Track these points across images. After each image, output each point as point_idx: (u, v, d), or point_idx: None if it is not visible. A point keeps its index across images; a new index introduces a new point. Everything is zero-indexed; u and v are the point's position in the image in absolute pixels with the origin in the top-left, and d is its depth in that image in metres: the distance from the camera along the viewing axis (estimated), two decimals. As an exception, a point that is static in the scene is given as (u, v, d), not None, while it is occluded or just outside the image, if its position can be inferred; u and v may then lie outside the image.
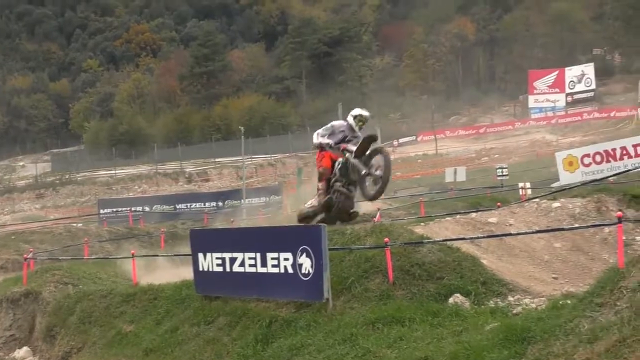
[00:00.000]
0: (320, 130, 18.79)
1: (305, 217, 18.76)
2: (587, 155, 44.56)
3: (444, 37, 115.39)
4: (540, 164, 53.54)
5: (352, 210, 18.86)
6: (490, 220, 19.89)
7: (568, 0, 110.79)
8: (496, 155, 75.27)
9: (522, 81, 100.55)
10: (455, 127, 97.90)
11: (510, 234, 18.02)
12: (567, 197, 22.23)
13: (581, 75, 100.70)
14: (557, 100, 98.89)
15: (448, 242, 17.11)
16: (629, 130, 67.60)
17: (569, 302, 13.11)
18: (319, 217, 18.51)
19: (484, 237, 17.89)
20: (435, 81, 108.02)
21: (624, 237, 15.15)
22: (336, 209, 18.15)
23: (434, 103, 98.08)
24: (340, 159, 17.82)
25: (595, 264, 17.02)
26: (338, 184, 17.82)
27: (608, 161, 42.83)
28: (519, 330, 12.50)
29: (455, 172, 56.53)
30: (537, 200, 22.81)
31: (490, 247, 17.77)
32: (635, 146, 43.49)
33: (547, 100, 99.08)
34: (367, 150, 17.80)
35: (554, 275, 17.24)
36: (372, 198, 18.52)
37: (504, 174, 50.37)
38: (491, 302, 15.28)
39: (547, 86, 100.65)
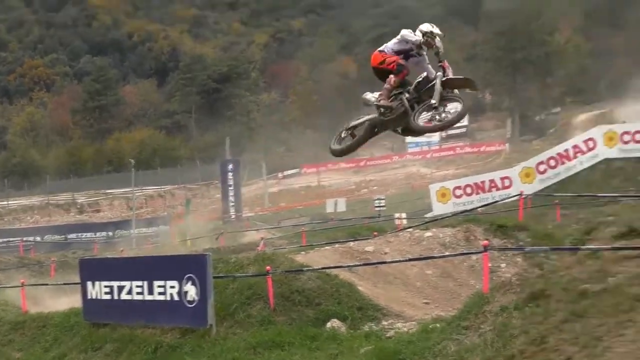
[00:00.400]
0: (405, 32, 15.51)
1: (366, 103, 15.91)
2: (459, 188, 45.43)
3: (327, 75, 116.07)
4: (416, 196, 54.32)
5: (404, 127, 15.68)
6: (367, 249, 20.08)
7: (444, 42, 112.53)
8: (375, 187, 75.96)
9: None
10: (336, 161, 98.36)
11: (385, 262, 18.22)
12: (438, 226, 22.62)
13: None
14: (432, 136, 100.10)
15: (327, 270, 17.23)
16: (497, 164, 69.09)
17: (438, 325, 13.34)
18: (372, 116, 15.64)
19: (360, 265, 18.06)
20: (319, 117, 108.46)
21: (489, 265, 15.49)
22: (389, 118, 15.29)
23: (317, 137, 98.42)
24: (424, 73, 15.00)
25: (463, 289, 17.33)
26: (407, 95, 14.98)
27: (478, 193, 43.71)
28: (391, 353, 12.67)
29: (335, 203, 56.94)
30: (411, 230, 23.14)
31: (367, 275, 17.94)
32: (502, 179, 44.54)
33: (423, 136, 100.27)
34: (455, 88, 15.06)
35: (425, 301, 17.49)
36: (415, 131, 15.55)
37: (382, 205, 50.90)
38: (366, 326, 15.43)
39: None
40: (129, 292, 17.90)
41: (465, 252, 18.47)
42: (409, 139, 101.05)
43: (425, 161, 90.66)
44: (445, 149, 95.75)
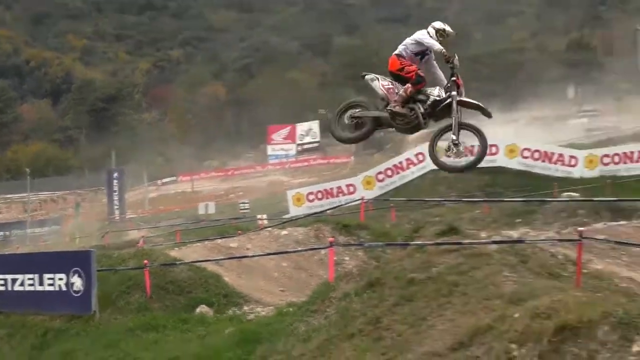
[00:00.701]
0: (421, 32, 12.80)
1: (368, 85, 13.12)
2: (312, 193, 45.62)
3: (201, 98, 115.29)
4: (276, 200, 54.13)
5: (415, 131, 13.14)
6: (232, 245, 19.95)
7: (299, 71, 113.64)
8: (241, 193, 75.48)
9: (262, 133, 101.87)
10: (208, 170, 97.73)
11: (247, 256, 18.13)
12: (293, 226, 22.62)
13: (309, 130, 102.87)
14: (290, 150, 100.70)
15: (197, 263, 17.06)
16: (344, 173, 69.51)
17: (291, 309, 13.32)
18: (381, 113, 12.75)
19: (226, 259, 17.93)
20: (193, 133, 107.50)
21: (335, 258, 15.54)
22: (398, 124, 12.69)
23: (191, 151, 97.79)
24: (442, 93, 12.41)
25: (313, 279, 17.34)
26: (421, 110, 12.40)
27: (327, 198, 43.97)
28: (251, 333, 12.62)
29: (206, 206, 56.52)
30: (270, 229, 23.08)
31: (232, 267, 17.84)
32: (348, 186, 44.96)
33: (282, 149, 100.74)
34: (470, 108, 12.57)
35: (281, 289, 17.45)
36: (442, 166, 12.90)
37: (246, 207, 50.79)
38: (230, 311, 15.36)
39: (282, 138, 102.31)
40: (22, 284, 17.38)
41: (314, 247, 18.52)
42: (270, 151, 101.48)
43: (284, 171, 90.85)
44: (300, 161, 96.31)
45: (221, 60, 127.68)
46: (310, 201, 44.53)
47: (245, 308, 15.48)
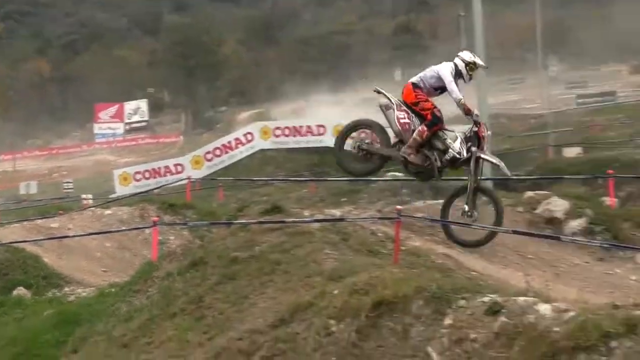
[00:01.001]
0: (445, 70, 11.65)
1: (385, 104, 11.80)
2: (139, 172, 45.12)
3: (23, 74, 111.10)
4: (102, 179, 53.04)
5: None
6: (53, 225, 19.47)
7: (128, 49, 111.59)
8: (65, 172, 73.62)
9: (89, 112, 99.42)
10: (32, 149, 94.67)
11: (67, 237, 17.71)
12: (117, 205, 22.28)
13: (137, 108, 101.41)
14: (117, 128, 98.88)
15: (14, 244, 16.54)
16: (173, 153, 68.98)
17: (113, 290, 13.11)
18: (393, 153, 11.64)
19: (46, 239, 17.49)
20: (16, 110, 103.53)
21: (160, 237, 15.43)
22: (412, 172, 11.70)
23: (13, 128, 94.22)
24: (459, 147, 11.31)
25: (137, 259, 17.08)
26: (439, 164, 11.32)
27: (155, 177, 43.58)
28: (71, 314, 12.40)
29: (28, 186, 54.74)
30: (93, 208, 22.66)
31: (52, 247, 17.39)
32: (176, 165, 44.72)
33: (109, 128, 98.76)
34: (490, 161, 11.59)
35: (103, 269, 17.18)
36: (453, 238, 11.75)
37: (70, 187, 49.61)
38: (50, 292, 15.00)
39: (110, 116, 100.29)
40: None
41: (138, 227, 18.26)
42: (97, 130, 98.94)
43: (111, 150, 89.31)
44: (128, 140, 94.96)
45: (45, 36, 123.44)
46: (138, 181, 44.00)
47: (66, 289, 15.11)
